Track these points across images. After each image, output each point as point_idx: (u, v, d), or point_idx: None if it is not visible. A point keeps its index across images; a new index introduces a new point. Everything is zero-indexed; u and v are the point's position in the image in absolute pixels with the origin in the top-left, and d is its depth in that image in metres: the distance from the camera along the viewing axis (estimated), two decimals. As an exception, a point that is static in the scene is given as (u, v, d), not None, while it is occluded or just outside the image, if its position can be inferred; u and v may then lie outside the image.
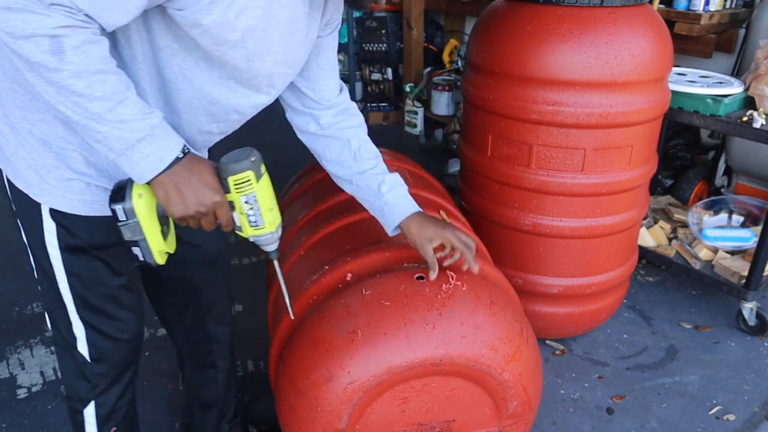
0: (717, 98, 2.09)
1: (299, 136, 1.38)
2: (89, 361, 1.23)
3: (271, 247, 1.11)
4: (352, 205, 1.59)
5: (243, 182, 0.98)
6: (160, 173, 0.95)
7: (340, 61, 4.91)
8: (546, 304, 2.04)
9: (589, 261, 1.97)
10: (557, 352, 2.15)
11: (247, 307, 2.41)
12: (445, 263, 1.29)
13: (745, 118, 2.05)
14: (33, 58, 0.82)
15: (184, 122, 1.09)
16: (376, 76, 4.68)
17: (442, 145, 4.06)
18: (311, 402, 1.24)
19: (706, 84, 2.21)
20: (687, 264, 2.32)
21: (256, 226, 1.04)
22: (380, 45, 4.46)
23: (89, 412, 1.28)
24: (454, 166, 3.35)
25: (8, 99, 1.02)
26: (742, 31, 2.87)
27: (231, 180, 0.98)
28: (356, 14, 4.54)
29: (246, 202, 1.01)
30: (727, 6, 2.82)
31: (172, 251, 1.06)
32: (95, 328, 1.20)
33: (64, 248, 1.12)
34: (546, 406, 1.89)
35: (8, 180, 1.10)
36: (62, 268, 1.13)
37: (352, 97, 5.27)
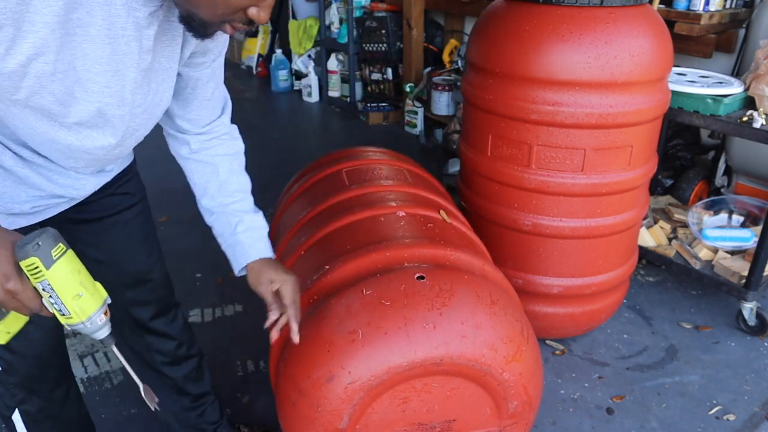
0: (717, 98, 2.09)
1: (172, 153, 1.33)
2: (1, 371, 1.24)
3: (98, 335, 0.98)
4: (352, 205, 1.59)
5: (32, 268, 0.88)
6: None
7: (340, 61, 4.92)
8: (546, 304, 2.04)
9: (589, 261, 1.97)
10: (557, 352, 2.15)
11: (247, 307, 2.41)
12: (269, 320, 1.25)
13: (745, 118, 2.05)
14: None
15: (51, 158, 1.08)
16: (376, 76, 4.68)
17: (442, 145, 4.06)
18: (312, 401, 1.24)
19: (706, 84, 2.22)
20: (687, 264, 2.32)
21: (63, 315, 0.93)
22: (380, 45, 4.46)
23: (16, 418, 1.31)
24: (454, 166, 3.35)
25: None
26: (742, 31, 2.87)
27: (22, 265, 0.89)
28: (356, 14, 4.55)
29: (43, 290, 0.90)
30: (727, 6, 2.82)
31: (12, 332, 0.99)
32: None
33: None
34: (546, 406, 1.89)
35: None
36: None
37: (352, 98, 5.26)
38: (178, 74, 1.12)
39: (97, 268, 1.20)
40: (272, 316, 1.25)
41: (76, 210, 1.23)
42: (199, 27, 0.92)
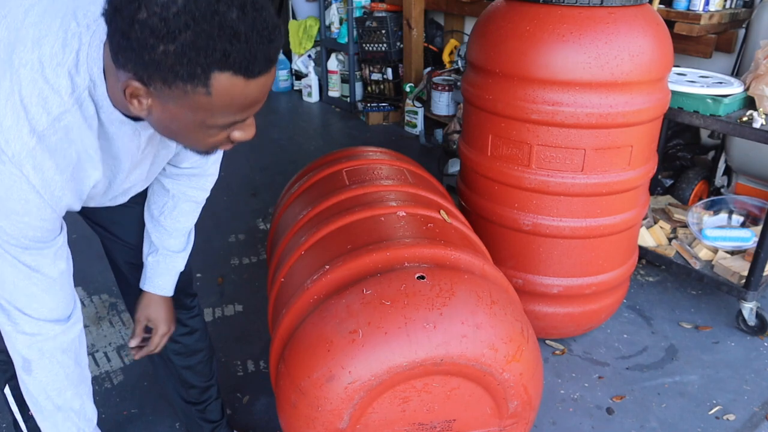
0: (717, 98, 2.09)
1: None
2: None
3: None
4: (352, 205, 1.59)
5: None
6: None
7: (340, 61, 4.92)
8: (546, 304, 2.05)
9: (589, 261, 1.97)
10: (557, 352, 2.15)
11: (247, 307, 2.41)
12: (131, 343, 1.38)
13: (745, 118, 2.05)
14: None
15: None
16: (376, 76, 4.68)
17: (442, 145, 4.06)
18: (312, 401, 1.24)
19: (706, 84, 2.22)
20: (687, 264, 2.32)
21: None
22: (380, 45, 4.46)
23: (7, 392, 1.41)
24: (454, 166, 3.35)
25: None
26: (742, 31, 2.87)
27: None
28: (356, 14, 4.55)
29: None
30: (727, 6, 2.83)
31: None
32: None
33: None
34: (546, 406, 1.89)
35: None
36: None
37: (352, 98, 5.26)
38: None
39: (119, 247, 1.39)
40: (133, 342, 1.38)
41: None
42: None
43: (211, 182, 1.38)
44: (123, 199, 1.22)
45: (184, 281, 1.50)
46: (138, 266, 1.41)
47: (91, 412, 1.18)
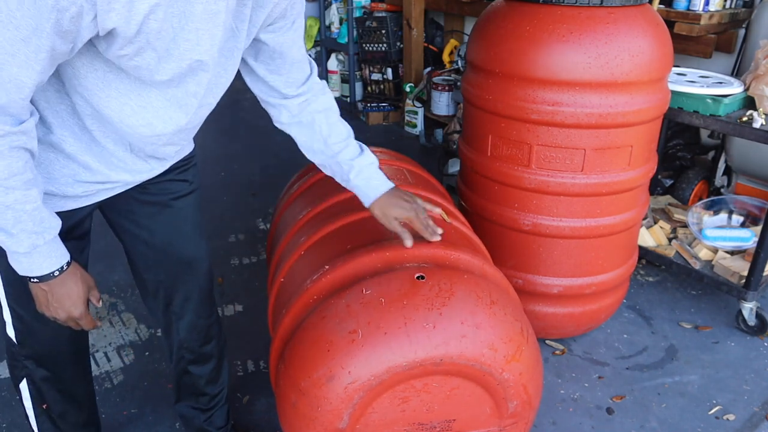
0: (717, 98, 2.09)
1: (275, 124, 1.45)
2: (15, 343, 1.33)
3: None
4: (352, 205, 1.59)
5: None
6: (33, 281, 1.08)
7: (340, 61, 4.92)
8: (546, 304, 2.05)
9: (589, 261, 1.97)
10: (557, 352, 2.15)
11: (247, 307, 2.41)
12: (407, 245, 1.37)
13: (744, 118, 2.05)
14: None
15: (113, 143, 1.16)
16: (376, 76, 4.68)
17: (442, 145, 4.06)
18: (312, 401, 1.24)
19: (705, 84, 2.22)
20: (687, 264, 2.32)
21: None
22: (380, 45, 4.47)
23: (23, 386, 1.39)
24: (454, 166, 3.35)
25: None
26: (741, 31, 2.87)
27: None
28: (356, 14, 4.55)
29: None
30: (727, 6, 2.83)
31: None
32: (19, 317, 1.28)
33: None
34: (546, 406, 1.89)
35: None
36: None
37: (352, 98, 5.28)
38: (265, 43, 1.21)
39: (145, 250, 1.38)
40: (408, 243, 1.36)
41: (138, 190, 1.32)
42: None
43: (326, 87, 1.40)
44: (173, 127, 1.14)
45: (206, 284, 1.51)
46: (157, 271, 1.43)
47: (50, 222, 1.06)
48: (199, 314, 1.52)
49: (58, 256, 1.09)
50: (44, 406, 1.41)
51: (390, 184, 1.39)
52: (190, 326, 1.52)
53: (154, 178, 1.32)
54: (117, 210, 1.36)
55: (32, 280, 1.08)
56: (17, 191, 0.97)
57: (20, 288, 1.19)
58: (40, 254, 1.05)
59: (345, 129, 1.40)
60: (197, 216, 1.48)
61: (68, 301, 1.13)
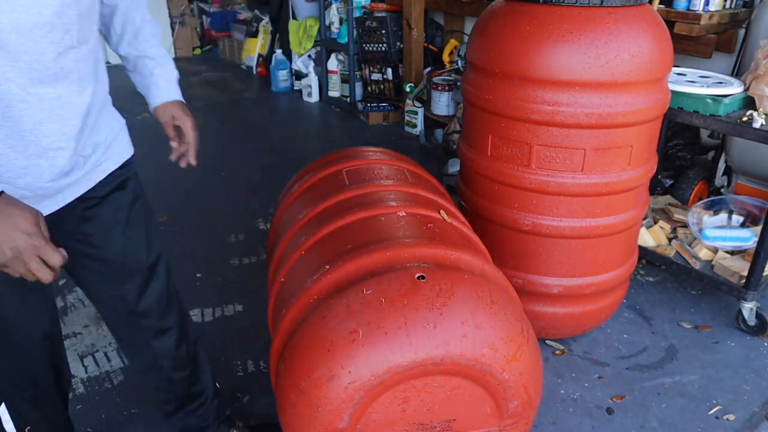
0: (717, 98, 2.09)
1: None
2: None
3: None
4: (352, 205, 1.59)
5: None
6: None
7: (340, 61, 4.92)
8: (546, 304, 2.05)
9: (589, 261, 1.97)
10: (557, 352, 2.15)
11: (247, 307, 2.41)
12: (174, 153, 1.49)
13: (744, 118, 2.05)
14: None
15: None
16: (376, 76, 4.68)
17: (442, 145, 4.07)
18: (312, 401, 1.24)
19: (705, 84, 2.22)
20: (687, 264, 2.32)
21: None
22: (380, 45, 4.47)
23: (2, 409, 1.33)
24: (454, 166, 3.35)
25: None
26: (741, 31, 2.87)
27: None
28: (356, 14, 4.55)
29: None
30: (727, 6, 2.83)
31: None
32: None
33: None
34: (546, 406, 1.89)
35: None
36: None
37: (352, 98, 5.28)
38: None
39: (102, 268, 1.33)
40: (173, 144, 1.47)
41: (83, 207, 1.27)
42: None
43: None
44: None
45: (165, 288, 1.47)
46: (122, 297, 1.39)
47: None
48: (163, 317, 1.49)
49: None
50: (27, 430, 1.37)
51: (182, 99, 1.47)
52: (157, 330, 1.49)
53: (94, 192, 1.27)
54: (73, 228, 1.28)
55: None
56: None
57: None
58: None
59: (157, 29, 1.43)
60: (147, 222, 1.44)
61: (17, 229, 0.91)
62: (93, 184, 1.27)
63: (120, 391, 1.97)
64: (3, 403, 1.34)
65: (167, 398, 1.61)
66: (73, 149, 1.17)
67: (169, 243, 2.79)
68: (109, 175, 1.30)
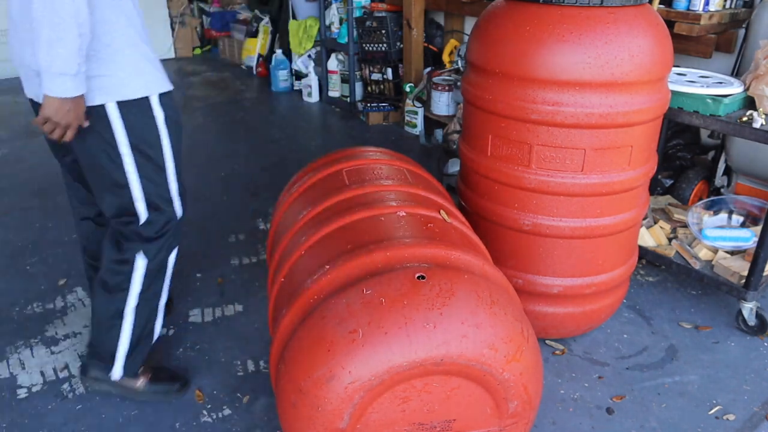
0: (717, 98, 2.09)
1: None
2: (179, 216, 1.82)
3: None
4: (352, 205, 1.59)
5: None
6: (71, 97, 1.44)
7: (340, 61, 4.92)
8: (546, 304, 2.05)
9: (589, 261, 1.97)
10: (557, 352, 2.15)
11: (247, 307, 2.41)
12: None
13: (744, 118, 2.05)
14: None
15: None
16: (376, 76, 4.68)
17: (442, 145, 4.06)
18: (312, 401, 1.24)
19: (705, 84, 2.22)
20: (687, 264, 2.32)
21: None
22: (380, 45, 4.46)
23: (171, 257, 1.84)
24: (454, 166, 3.35)
25: None
26: (741, 31, 2.87)
27: None
28: (356, 14, 4.55)
29: None
30: (727, 6, 2.83)
31: None
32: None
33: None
34: (546, 406, 1.89)
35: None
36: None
37: (352, 98, 5.28)
38: None
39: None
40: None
41: None
42: None
43: None
44: None
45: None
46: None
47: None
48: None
49: (83, 86, 1.46)
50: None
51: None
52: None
53: None
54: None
55: (71, 97, 1.42)
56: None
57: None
58: (81, 79, 1.43)
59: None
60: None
61: (78, 116, 1.48)
62: None
63: (120, 391, 1.97)
64: (176, 249, 1.82)
65: None
66: None
67: (169, 243, 2.78)
68: None
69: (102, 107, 1.55)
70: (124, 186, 1.65)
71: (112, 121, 1.57)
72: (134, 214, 1.69)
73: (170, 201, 1.75)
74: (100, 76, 1.52)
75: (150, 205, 1.70)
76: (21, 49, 1.54)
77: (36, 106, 1.60)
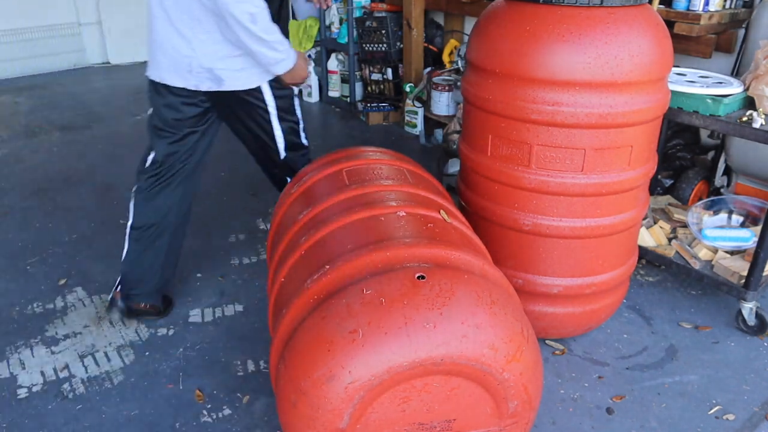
0: (717, 98, 2.09)
1: None
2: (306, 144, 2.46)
3: None
4: (352, 205, 1.59)
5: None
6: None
7: (340, 61, 4.92)
8: (546, 304, 2.05)
9: (589, 261, 1.97)
10: (557, 352, 2.15)
11: (247, 306, 2.41)
12: None
13: (744, 118, 2.05)
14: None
15: None
16: (376, 76, 4.68)
17: (442, 145, 4.06)
18: (312, 401, 1.24)
19: (705, 84, 2.22)
20: (687, 264, 2.32)
21: None
22: (380, 45, 4.46)
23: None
24: (454, 166, 3.35)
25: None
26: (741, 31, 2.87)
27: None
28: (356, 14, 4.55)
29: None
30: (727, 6, 2.83)
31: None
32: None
33: None
34: (546, 406, 1.89)
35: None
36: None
37: (352, 98, 5.29)
38: None
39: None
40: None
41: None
42: None
43: None
44: None
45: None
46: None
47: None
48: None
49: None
50: None
51: None
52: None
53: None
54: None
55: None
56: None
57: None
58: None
59: None
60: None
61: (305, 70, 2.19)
62: None
63: (120, 391, 1.97)
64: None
65: None
66: None
67: (169, 243, 2.78)
68: None
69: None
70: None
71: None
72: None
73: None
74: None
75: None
76: (176, 42, 1.98)
77: (166, 89, 2.03)
